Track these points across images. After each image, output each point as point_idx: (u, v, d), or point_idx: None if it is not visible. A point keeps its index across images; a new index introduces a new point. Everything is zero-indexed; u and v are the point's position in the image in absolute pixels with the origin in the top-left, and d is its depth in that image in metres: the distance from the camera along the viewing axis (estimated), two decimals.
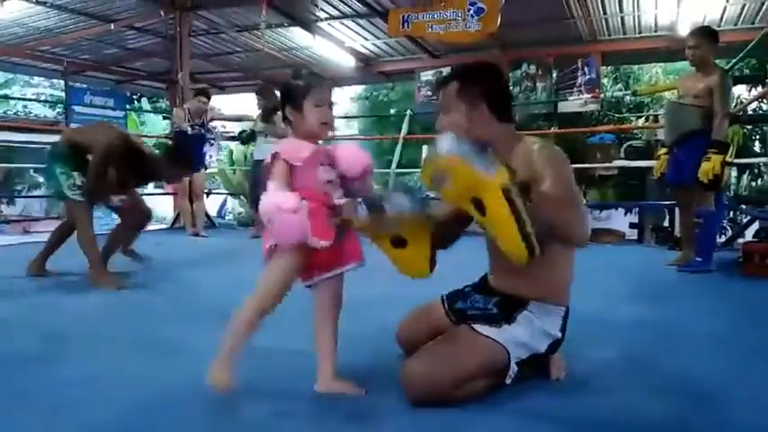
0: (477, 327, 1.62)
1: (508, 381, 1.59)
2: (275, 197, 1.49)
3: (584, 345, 2.00)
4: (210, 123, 6.54)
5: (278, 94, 1.86)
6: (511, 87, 8.35)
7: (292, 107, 1.65)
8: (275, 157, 1.60)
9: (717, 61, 3.85)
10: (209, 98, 5.91)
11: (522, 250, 1.31)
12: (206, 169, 6.77)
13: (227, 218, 12.42)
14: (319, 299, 1.67)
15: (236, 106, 9.42)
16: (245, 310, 1.58)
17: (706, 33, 3.72)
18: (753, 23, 6.86)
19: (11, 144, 12.71)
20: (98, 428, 1.46)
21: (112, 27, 7.61)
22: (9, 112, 13.98)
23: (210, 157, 13.18)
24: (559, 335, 1.66)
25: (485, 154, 1.36)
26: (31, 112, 14.12)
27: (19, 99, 15.16)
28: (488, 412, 1.51)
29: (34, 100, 15.54)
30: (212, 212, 8.89)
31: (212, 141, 12.56)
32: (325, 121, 1.65)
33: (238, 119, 5.93)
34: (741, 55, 5.05)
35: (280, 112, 1.86)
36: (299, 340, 2.12)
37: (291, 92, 1.66)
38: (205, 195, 7.22)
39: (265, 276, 1.58)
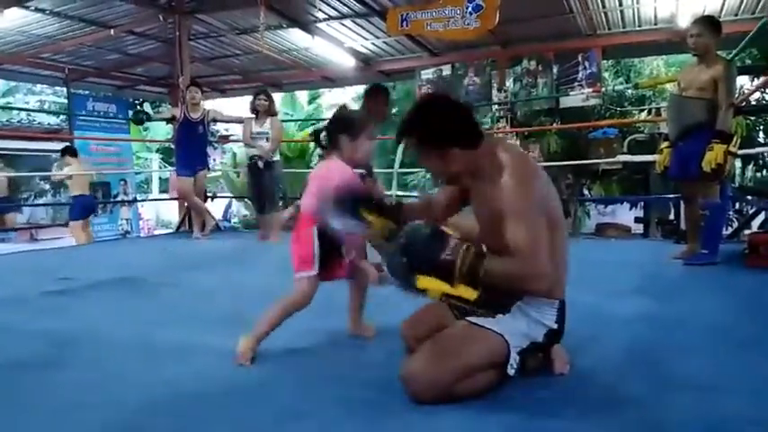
0: (473, 319, 1.64)
1: (510, 371, 1.59)
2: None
3: (588, 339, 2.00)
4: (212, 126, 6.55)
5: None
6: (511, 84, 8.35)
7: (348, 136, 2.05)
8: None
9: (718, 53, 3.82)
10: (197, 86, 5.88)
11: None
12: (209, 170, 6.75)
13: (232, 221, 12.46)
14: (351, 285, 2.25)
15: (237, 108, 9.45)
16: (276, 308, 2.00)
17: (709, 22, 3.68)
18: (753, 14, 6.81)
19: (16, 152, 12.78)
20: (104, 431, 1.47)
21: (112, 32, 7.63)
22: (13, 121, 14.03)
23: (214, 160, 13.23)
24: (555, 326, 1.66)
25: None
26: (34, 120, 14.18)
27: (21, 109, 15.23)
28: (494, 408, 1.51)
29: (37, 110, 15.60)
30: (218, 216, 8.91)
31: (215, 145, 12.60)
32: (369, 153, 2.15)
33: (239, 121, 5.91)
34: (742, 44, 5.01)
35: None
36: (305, 344, 2.13)
37: (352, 123, 2.08)
38: (210, 199, 7.23)
39: (293, 293, 2.03)
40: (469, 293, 1.53)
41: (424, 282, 1.54)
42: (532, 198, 1.57)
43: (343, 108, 2.27)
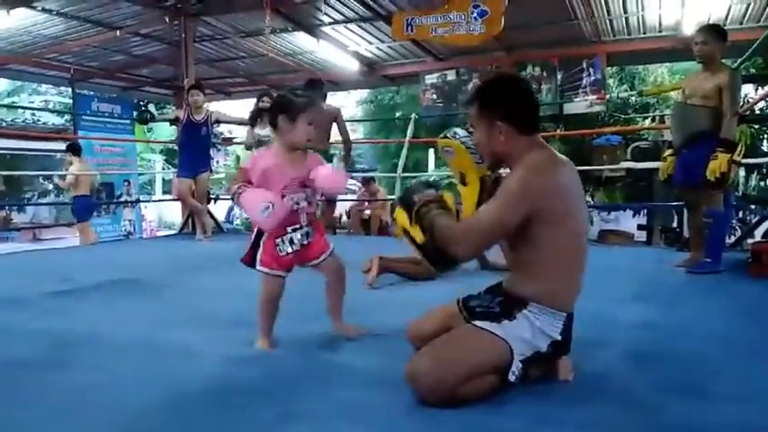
0: (479, 323, 1.65)
1: (512, 377, 1.59)
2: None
3: (592, 346, 1.99)
4: (216, 128, 6.55)
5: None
6: None
7: (287, 118, 1.97)
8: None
9: (723, 61, 3.82)
10: (199, 88, 5.88)
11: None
12: (211, 172, 6.76)
13: (234, 223, 12.47)
14: (324, 275, 2.20)
15: (241, 110, 9.46)
16: (258, 303, 2.11)
17: (714, 30, 3.68)
18: (758, 22, 6.82)
19: (20, 152, 12.83)
20: (105, 431, 1.47)
21: (118, 34, 7.67)
22: (18, 120, 14.08)
23: (217, 162, 13.26)
24: (559, 338, 1.66)
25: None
26: (39, 120, 14.22)
27: (26, 108, 15.29)
28: (497, 413, 1.51)
29: (42, 109, 15.64)
30: (220, 218, 8.90)
31: (219, 147, 12.63)
32: (311, 138, 2.03)
33: (241, 122, 5.92)
34: (748, 53, 5.01)
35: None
36: (305, 344, 2.13)
37: (288, 105, 1.98)
38: (213, 201, 7.24)
39: (260, 290, 2.14)
40: (419, 236, 1.76)
41: (397, 213, 1.82)
42: (522, 186, 1.61)
43: (286, 92, 2.11)
